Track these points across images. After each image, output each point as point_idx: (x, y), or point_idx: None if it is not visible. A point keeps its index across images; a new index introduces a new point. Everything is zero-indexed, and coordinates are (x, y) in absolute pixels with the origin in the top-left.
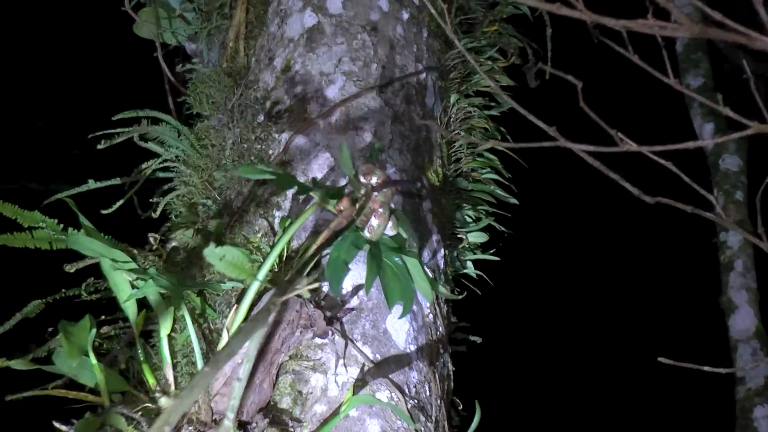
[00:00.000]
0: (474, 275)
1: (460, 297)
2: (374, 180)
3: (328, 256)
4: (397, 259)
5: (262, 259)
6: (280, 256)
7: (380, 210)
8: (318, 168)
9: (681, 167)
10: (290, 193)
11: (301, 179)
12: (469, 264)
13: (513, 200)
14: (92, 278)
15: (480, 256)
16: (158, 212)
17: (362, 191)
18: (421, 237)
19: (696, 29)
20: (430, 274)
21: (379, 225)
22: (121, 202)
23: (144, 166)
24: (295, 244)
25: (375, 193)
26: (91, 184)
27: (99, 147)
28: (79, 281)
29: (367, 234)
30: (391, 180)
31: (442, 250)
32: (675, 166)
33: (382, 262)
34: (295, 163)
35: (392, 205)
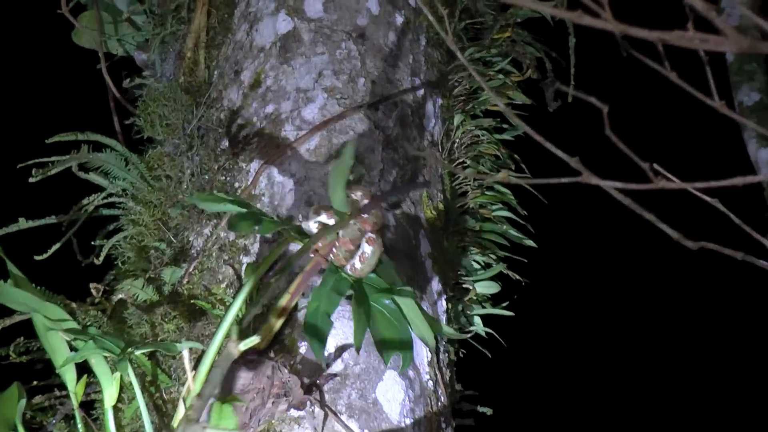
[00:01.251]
0: (483, 333)
1: (466, 336)
2: (358, 196)
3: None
4: (387, 302)
5: None
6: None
7: (370, 235)
8: (294, 204)
9: (730, 203)
10: (259, 234)
11: (274, 218)
12: (477, 320)
13: (529, 242)
14: (22, 338)
15: (490, 310)
16: (102, 258)
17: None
18: (419, 287)
19: (744, 43)
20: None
21: (372, 253)
22: (57, 246)
23: (85, 201)
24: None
25: (363, 215)
26: (22, 224)
27: (31, 180)
28: (7, 341)
29: (357, 265)
30: (380, 194)
31: (444, 303)
32: (723, 202)
33: (371, 308)
34: (266, 199)
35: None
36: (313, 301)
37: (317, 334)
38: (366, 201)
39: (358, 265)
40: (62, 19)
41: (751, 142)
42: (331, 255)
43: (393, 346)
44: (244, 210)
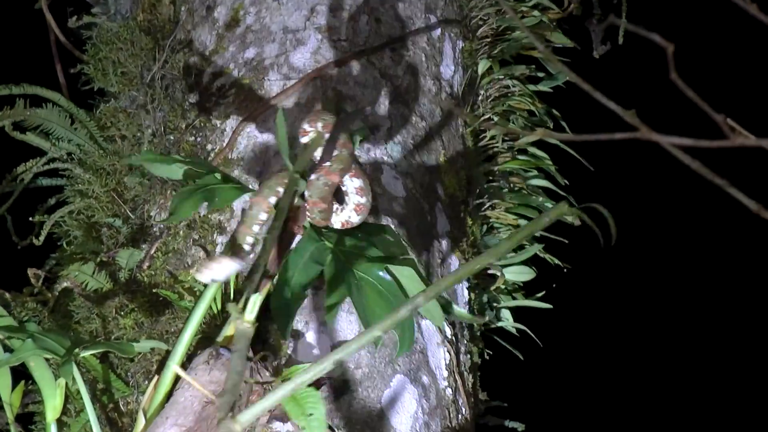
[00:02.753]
0: (513, 330)
1: (485, 319)
2: (320, 126)
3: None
4: (381, 273)
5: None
6: (223, 295)
7: (349, 173)
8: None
9: None
10: (237, 205)
11: (256, 186)
12: (507, 313)
13: (572, 219)
14: None
15: (522, 302)
16: (42, 238)
17: (307, 143)
18: (434, 271)
19: None
20: (449, 330)
21: (360, 189)
22: None
23: (21, 169)
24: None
25: (336, 151)
26: None
27: None
28: None
29: (353, 219)
30: (346, 117)
31: (465, 292)
32: None
33: (358, 280)
34: (245, 164)
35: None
36: (285, 271)
37: (285, 310)
38: (328, 125)
39: (354, 218)
40: None
41: None
42: (307, 216)
43: (382, 322)
44: (201, 172)
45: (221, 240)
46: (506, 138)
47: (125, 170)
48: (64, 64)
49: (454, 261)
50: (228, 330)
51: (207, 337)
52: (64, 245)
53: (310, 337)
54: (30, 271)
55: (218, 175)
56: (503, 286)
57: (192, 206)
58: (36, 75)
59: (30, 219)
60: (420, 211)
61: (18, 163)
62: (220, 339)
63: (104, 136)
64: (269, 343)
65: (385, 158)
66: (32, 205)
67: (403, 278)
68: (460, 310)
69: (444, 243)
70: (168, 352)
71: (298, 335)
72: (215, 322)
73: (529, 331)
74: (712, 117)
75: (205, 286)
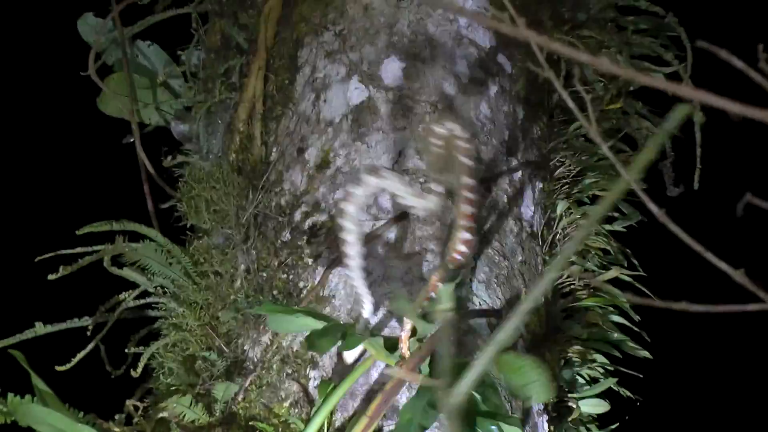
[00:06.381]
0: None
1: None
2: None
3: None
4: (493, 428)
5: None
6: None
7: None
8: (370, 309)
9: None
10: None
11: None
12: None
13: (644, 353)
14: None
15: None
16: (140, 369)
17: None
18: (518, 405)
19: None
20: None
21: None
22: (83, 353)
23: (118, 299)
24: (338, 417)
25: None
26: (39, 329)
27: (52, 277)
28: None
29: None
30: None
31: (545, 426)
32: None
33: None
34: (337, 302)
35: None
36: (404, 413)
37: None
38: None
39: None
40: (87, 83)
41: None
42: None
43: None
44: (323, 324)
45: (314, 374)
46: (582, 276)
47: (219, 305)
48: (155, 201)
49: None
50: None
51: None
52: (161, 376)
53: None
54: (128, 402)
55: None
56: (580, 418)
57: (328, 344)
58: (125, 209)
59: (125, 350)
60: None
61: (108, 295)
62: None
63: (197, 272)
64: None
65: (470, 296)
66: (125, 337)
67: None
68: None
69: None
70: None
71: None
72: None
73: None
74: None
75: (305, 422)
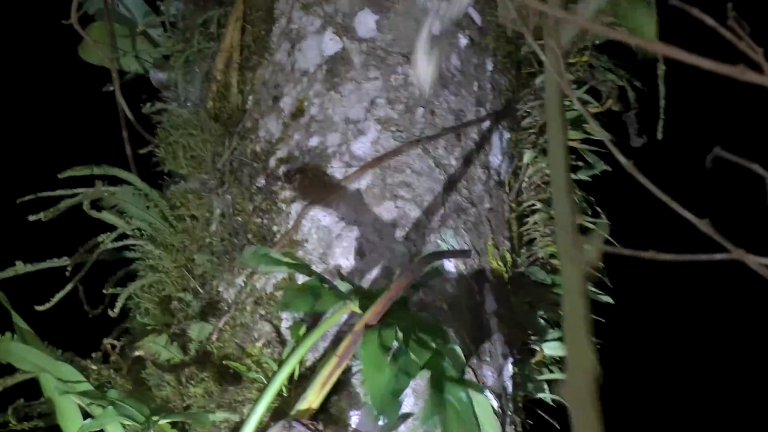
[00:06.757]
0: (551, 402)
1: (529, 396)
2: None
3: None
4: (462, 393)
5: (263, 378)
6: (290, 375)
7: None
8: (341, 253)
9: None
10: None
11: (319, 269)
12: (545, 387)
13: (606, 298)
14: (22, 399)
15: (559, 375)
16: (118, 309)
17: None
18: (484, 349)
19: None
20: (495, 403)
21: None
22: (62, 293)
23: (96, 241)
24: (309, 357)
25: None
26: (19, 268)
27: (32, 218)
28: (5, 403)
29: None
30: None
31: (510, 367)
32: None
33: (444, 398)
34: (309, 245)
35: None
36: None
37: (388, 404)
38: None
39: None
40: (68, 32)
41: None
42: None
43: None
44: (302, 272)
45: (286, 316)
46: (547, 223)
47: (195, 247)
48: (133, 147)
49: (501, 338)
50: (302, 404)
51: (279, 411)
52: (137, 317)
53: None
54: (106, 341)
55: (319, 281)
56: (543, 359)
57: (305, 306)
58: (105, 154)
59: (103, 290)
60: (470, 290)
61: (87, 237)
62: (293, 412)
63: (174, 215)
64: (330, 412)
65: (439, 242)
66: (102, 277)
67: (477, 404)
68: None
69: (493, 321)
70: (239, 423)
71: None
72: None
73: (564, 402)
74: None
75: (277, 362)
